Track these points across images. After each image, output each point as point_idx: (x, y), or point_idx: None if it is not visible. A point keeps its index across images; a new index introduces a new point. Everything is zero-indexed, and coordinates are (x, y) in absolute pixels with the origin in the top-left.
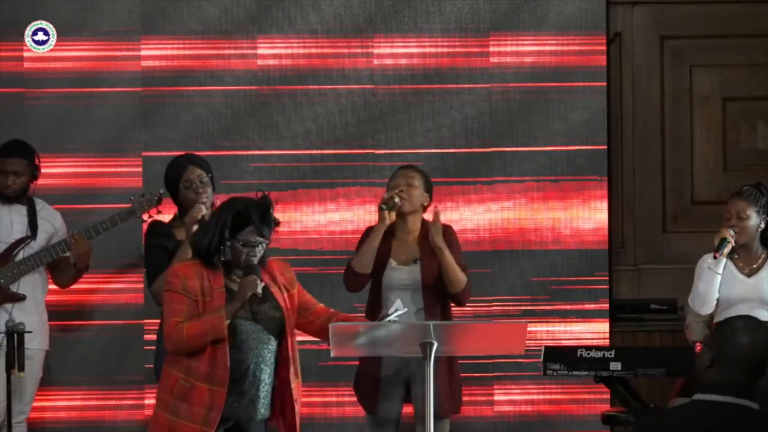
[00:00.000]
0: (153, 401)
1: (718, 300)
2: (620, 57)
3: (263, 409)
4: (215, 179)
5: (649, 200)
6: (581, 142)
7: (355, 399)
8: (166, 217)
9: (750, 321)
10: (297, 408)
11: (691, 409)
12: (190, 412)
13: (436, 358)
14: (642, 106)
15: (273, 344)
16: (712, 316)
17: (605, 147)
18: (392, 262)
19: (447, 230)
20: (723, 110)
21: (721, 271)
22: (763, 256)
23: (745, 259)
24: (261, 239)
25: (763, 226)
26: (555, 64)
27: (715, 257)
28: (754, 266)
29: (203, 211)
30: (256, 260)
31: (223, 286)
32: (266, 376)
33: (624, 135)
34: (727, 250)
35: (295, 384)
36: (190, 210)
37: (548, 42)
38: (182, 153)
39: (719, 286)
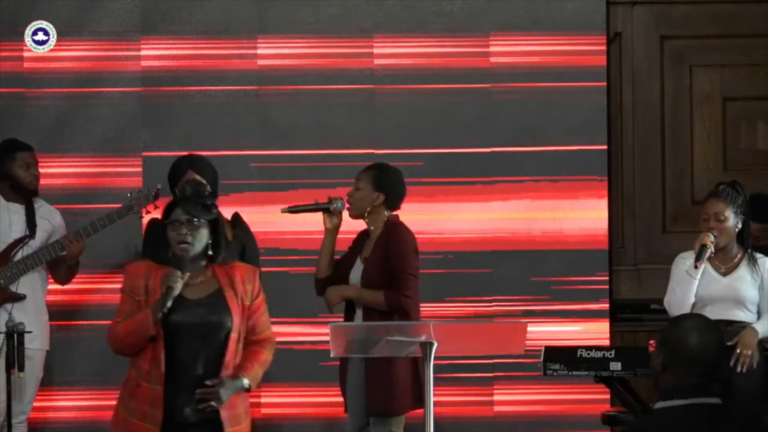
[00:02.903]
0: None
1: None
2: (620, 57)
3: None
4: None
5: (649, 200)
6: (581, 142)
7: None
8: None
9: (700, 321)
10: (238, 412)
11: (657, 420)
12: (138, 409)
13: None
14: (642, 106)
15: (215, 346)
16: None
17: (605, 147)
18: (358, 261)
19: (393, 230)
20: (723, 110)
21: (698, 277)
22: (739, 255)
23: (721, 258)
24: (186, 216)
25: (740, 226)
26: (555, 64)
27: (696, 266)
28: (731, 265)
29: None
30: (189, 245)
31: None
32: (204, 377)
33: (624, 135)
34: (707, 256)
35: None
36: None
37: (548, 42)
38: (185, 153)
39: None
